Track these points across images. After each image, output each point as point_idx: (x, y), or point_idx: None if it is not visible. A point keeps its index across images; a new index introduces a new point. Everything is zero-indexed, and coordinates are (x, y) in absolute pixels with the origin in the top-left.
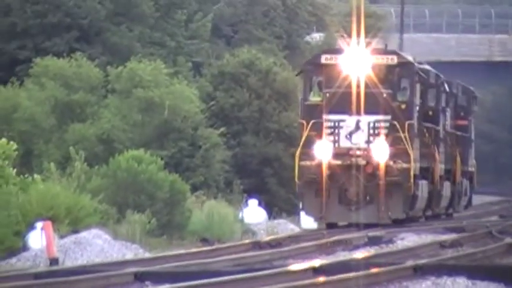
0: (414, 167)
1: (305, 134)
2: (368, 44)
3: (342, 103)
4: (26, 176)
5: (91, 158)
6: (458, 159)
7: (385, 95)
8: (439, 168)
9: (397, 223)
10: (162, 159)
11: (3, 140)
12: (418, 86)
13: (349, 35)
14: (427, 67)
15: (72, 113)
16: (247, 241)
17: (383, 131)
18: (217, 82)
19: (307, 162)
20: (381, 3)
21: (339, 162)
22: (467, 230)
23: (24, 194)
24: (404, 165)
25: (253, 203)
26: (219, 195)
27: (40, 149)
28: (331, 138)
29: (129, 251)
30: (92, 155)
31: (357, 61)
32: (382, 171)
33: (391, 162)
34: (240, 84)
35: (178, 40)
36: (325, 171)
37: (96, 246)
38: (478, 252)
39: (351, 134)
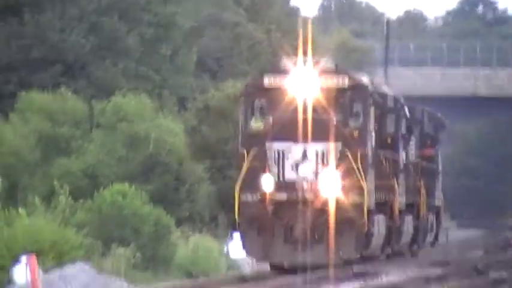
0: (369, 201)
1: (246, 165)
2: (316, 63)
3: (287, 129)
4: (10, 209)
5: (76, 192)
6: (423, 191)
7: (335, 121)
8: (399, 201)
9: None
10: (147, 192)
11: None
12: (372, 110)
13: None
14: (385, 89)
15: (57, 147)
16: (231, 275)
17: (333, 161)
18: (202, 116)
19: (249, 197)
20: (365, 38)
21: (284, 196)
22: (452, 264)
23: (9, 228)
24: (357, 200)
25: (238, 237)
26: (204, 230)
27: (25, 182)
28: (275, 169)
29: (114, 286)
30: (76, 189)
31: (303, 83)
32: (331, 207)
33: (342, 197)
34: (225, 118)
35: (163, 74)
36: (268, 207)
37: (81, 280)
38: (463, 287)
39: (297, 164)
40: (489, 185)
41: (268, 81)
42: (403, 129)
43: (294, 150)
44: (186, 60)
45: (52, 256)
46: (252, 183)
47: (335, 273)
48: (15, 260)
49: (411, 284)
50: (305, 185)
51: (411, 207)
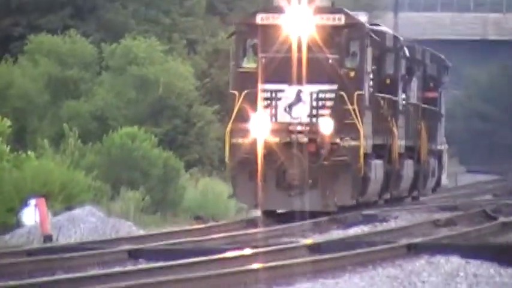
0: (365, 144)
1: (237, 106)
2: (311, 0)
3: (280, 70)
4: (19, 152)
5: (85, 135)
6: (424, 135)
7: (330, 61)
8: (398, 145)
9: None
10: (156, 136)
11: None
12: (370, 51)
13: None
14: (384, 28)
15: (66, 90)
16: (241, 219)
17: (328, 103)
18: (212, 59)
19: (240, 140)
20: None
21: (276, 139)
22: (460, 208)
23: (18, 170)
24: (353, 143)
25: None
26: (213, 173)
27: (34, 125)
28: (268, 111)
29: (123, 229)
30: (85, 131)
31: (298, 21)
32: (326, 150)
33: (338, 140)
34: None
35: (173, 17)
36: (260, 150)
37: (90, 223)
38: (471, 231)
39: (290, 106)
40: (499, 130)
41: (260, 19)
42: (403, 70)
43: (288, 92)
44: (195, 3)
45: (61, 199)
46: (243, 125)
47: (344, 217)
48: (24, 202)
49: (420, 227)
50: (299, 128)
51: (411, 151)
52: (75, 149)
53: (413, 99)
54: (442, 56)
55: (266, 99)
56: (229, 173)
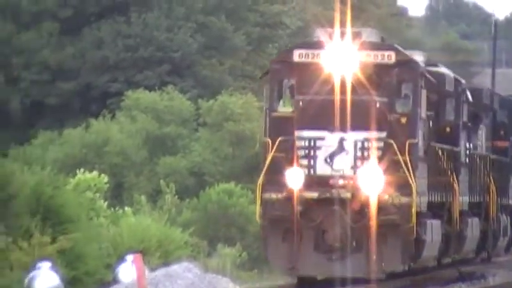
0: (418, 201)
1: (270, 156)
2: (356, 36)
3: (320, 115)
4: (117, 208)
5: (182, 191)
6: (492, 189)
7: (378, 105)
8: (460, 201)
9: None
10: (252, 192)
11: (95, 172)
12: (424, 93)
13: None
14: (444, 70)
15: (164, 146)
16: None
17: (375, 153)
18: None
19: (273, 195)
20: (473, 39)
21: (315, 194)
22: None
23: (115, 226)
24: (404, 200)
25: None
26: None
27: (131, 181)
28: (305, 162)
29: (220, 285)
30: (182, 187)
31: (341, 58)
32: (373, 208)
33: (386, 196)
34: None
35: None
36: (296, 207)
37: (187, 279)
38: None
39: (331, 156)
40: None
41: (298, 55)
42: (465, 117)
43: (329, 140)
44: None
45: (158, 255)
46: (277, 178)
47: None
48: (121, 258)
49: None
50: (341, 181)
51: (477, 208)
52: (172, 205)
53: (480, 149)
54: None
55: (303, 148)
56: (260, 233)
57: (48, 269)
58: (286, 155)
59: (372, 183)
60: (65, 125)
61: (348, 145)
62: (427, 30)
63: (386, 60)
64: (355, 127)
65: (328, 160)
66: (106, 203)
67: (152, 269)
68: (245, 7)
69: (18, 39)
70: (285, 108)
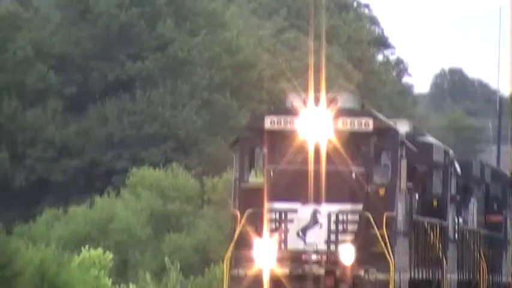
0: (398, 278)
1: (238, 229)
2: (332, 101)
3: (292, 186)
4: (121, 286)
5: (186, 268)
6: (483, 266)
7: (354, 175)
8: (448, 279)
9: None
10: None
11: (99, 250)
12: (404, 163)
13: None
14: (430, 139)
15: (168, 223)
16: None
17: (350, 227)
18: None
19: (241, 271)
20: (478, 116)
21: (286, 270)
22: None
23: None
24: (381, 276)
25: None
26: None
27: (136, 259)
28: (276, 236)
29: None
30: (187, 265)
31: (315, 126)
32: (348, 285)
33: (362, 272)
34: None
35: None
36: (266, 285)
37: None
38: None
39: (304, 230)
40: None
41: (270, 122)
42: (453, 189)
43: (301, 212)
44: None
45: None
46: (245, 253)
47: None
48: None
49: None
50: (314, 257)
51: (467, 287)
52: (177, 283)
53: (471, 224)
54: (507, 173)
55: (274, 220)
56: None
57: None
58: (256, 228)
59: (347, 259)
60: (70, 201)
61: (322, 218)
62: (432, 107)
63: (363, 128)
64: (330, 199)
65: (301, 234)
66: (111, 281)
67: None
68: (250, 84)
69: (23, 116)
70: (255, 179)
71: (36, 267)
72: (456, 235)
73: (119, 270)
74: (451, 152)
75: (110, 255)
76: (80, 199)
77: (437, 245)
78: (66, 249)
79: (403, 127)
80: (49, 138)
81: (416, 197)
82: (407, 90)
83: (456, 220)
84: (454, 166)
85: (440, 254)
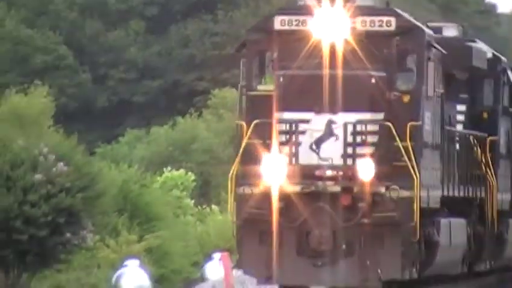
0: (425, 195)
1: (244, 142)
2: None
3: (304, 93)
4: (203, 206)
5: None
6: None
7: (374, 80)
8: (498, 199)
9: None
10: None
11: (182, 170)
12: (432, 67)
13: None
14: (481, 45)
15: None
16: None
17: (370, 139)
18: None
19: (247, 189)
20: None
21: (297, 188)
22: None
23: (202, 224)
24: (404, 194)
25: None
26: None
27: (218, 180)
28: (287, 149)
29: None
30: None
31: (330, 26)
32: (367, 204)
33: (382, 189)
34: None
35: None
36: (276, 204)
37: None
38: None
39: (318, 143)
40: None
41: (280, 22)
42: (506, 101)
43: (315, 123)
44: None
45: None
46: (252, 169)
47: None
48: (208, 256)
49: None
50: (329, 172)
51: None
52: None
53: None
54: None
55: (284, 132)
56: (235, 235)
57: (136, 267)
58: (264, 141)
59: (366, 174)
60: (152, 122)
61: (338, 129)
62: None
63: (385, 28)
64: (347, 107)
65: (314, 147)
66: (193, 201)
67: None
68: None
69: (106, 38)
70: (265, 86)
71: (119, 188)
72: (509, 151)
73: (201, 191)
74: (503, 59)
75: (192, 176)
76: (162, 120)
77: (484, 161)
78: (149, 170)
79: (452, 32)
80: (131, 60)
81: (457, 107)
82: (490, 9)
83: (510, 135)
84: (508, 75)
85: (488, 171)
